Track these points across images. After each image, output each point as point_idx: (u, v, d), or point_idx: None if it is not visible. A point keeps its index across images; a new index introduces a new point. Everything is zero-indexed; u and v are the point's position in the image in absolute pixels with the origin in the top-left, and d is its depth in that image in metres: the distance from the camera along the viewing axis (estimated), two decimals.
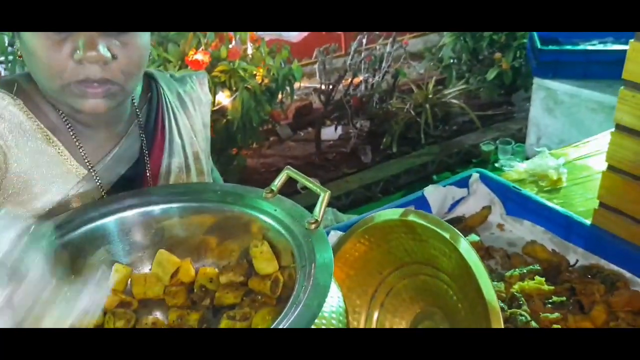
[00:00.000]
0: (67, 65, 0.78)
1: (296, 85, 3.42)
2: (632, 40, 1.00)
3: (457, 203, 1.30)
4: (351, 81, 4.07)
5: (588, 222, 1.15)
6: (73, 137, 0.90)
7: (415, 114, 3.96)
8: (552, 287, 0.99)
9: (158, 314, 0.79)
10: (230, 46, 2.83)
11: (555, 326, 0.91)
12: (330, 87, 3.99)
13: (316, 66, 4.08)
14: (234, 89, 2.80)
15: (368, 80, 4.10)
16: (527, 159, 1.82)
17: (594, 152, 1.63)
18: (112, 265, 0.78)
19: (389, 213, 0.86)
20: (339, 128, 4.15)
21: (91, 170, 0.90)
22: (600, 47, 3.25)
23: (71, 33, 0.76)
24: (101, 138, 0.93)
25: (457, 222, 1.24)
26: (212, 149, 1.15)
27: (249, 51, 2.93)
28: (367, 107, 4.13)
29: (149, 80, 1.02)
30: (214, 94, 2.75)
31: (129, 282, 0.79)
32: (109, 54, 0.78)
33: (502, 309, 0.73)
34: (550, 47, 3.22)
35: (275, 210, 0.76)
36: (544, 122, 3.29)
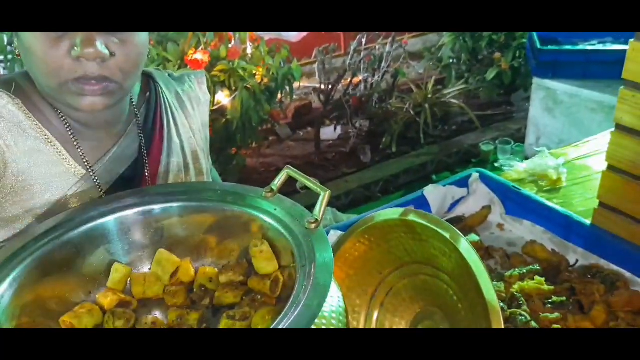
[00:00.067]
0: (64, 63, 0.77)
1: (296, 84, 3.43)
2: (632, 40, 1.00)
3: (457, 203, 1.30)
4: (350, 81, 4.07)
5: (588, 222, 1.15)
6: (71, 136, 0.89)
7: (415, 113, 3.96)
8: (552, 287, 0.99)
9: (158, 314, 0.78)
10: (229, 46, 2.83)
11: (555, 326, 0.91)
12: (330, 86, 3.99)
13: (316, 66, 4.08)
14: (234, 88, 2.80)
15: (367, 80, 4.10)
16: (527, 158, 1.82)
17: (594, 152, 1.64)
18: (111, 264, 0.78)
19: (388, 213, 0.86)
20: (339, 128, 4.15)
21: (90, 170, 0.90)
22: (599, 47, 3.26)
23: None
24: (100, 138, 0.92)
25: (457, 221, 1.24)
26: (212, 148, 1.15)
27: (249, 51, 2.93)
28: (367, 107, 4.13)
29: (148, 80, 1.02)
30: (214, 94, 2.75)
31: (128, 281, 0.79)
32: (106, 51, 0.77)
33: (502, 309, 0.73)
34: (550, 47, 3.22)
35: (275, 209, 0.76)
36: (544, 122, 3.29)
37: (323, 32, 4.35)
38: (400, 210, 0.84)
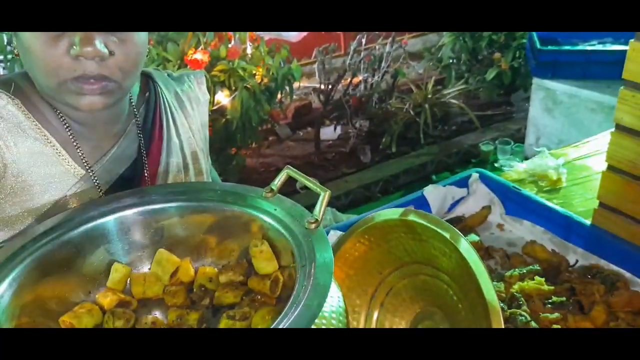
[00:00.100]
0: (63, 62, 0.77)
1: (295, 84, 3.43)
2: (632, 40, 1.00)
3: (456, 203, 1.30)
4: (350, 81, 4.08)
5: (588, 222, 1.15)
6: (70, 137, 0.89)
7: (415, 114, 3.96)
8: (552, 287, 0.99)
9: (157, 314, 0.78)
10: (229, 45, 2.83)
11: (555, 326, 0.91)
12: (330, 86, 3.99)
13: (315, 66, 4.09)
14: (233, 88, 2.80)
15: (367, 80, 4.10)
16: (526, 159, 1.82)
17: (594, 152, 1.64)
18: (111, 264, 0.78)
19: (388, 213, 0.86)
20: (338, 128, 4.15)
21: (89, 171, 0.90)
22: (599, 47, 3.26)
23: None
24: (99, 138, 0.92)
25: (456, 222, 1.24)
26: (211, 148, 1.15)
27: (249, 50, 2.93)
28: (367, 107, 4.13)
29: (147, 80, 1.02)
30: (213, 94, 2.75)
31: (128, 281, 0.79)
32: (105, 50, 0.77)
33: (502, 309, 0.73)
34: (550, 48, 3.23)
35: (275, 209, 0.76)
36: (543, 122, 3.29)
37: (323, 32, 4.35)
38: (400, 210, 0.84)
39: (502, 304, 0.92)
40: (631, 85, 1.02)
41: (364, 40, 4.03)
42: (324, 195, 0.71)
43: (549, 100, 3.22)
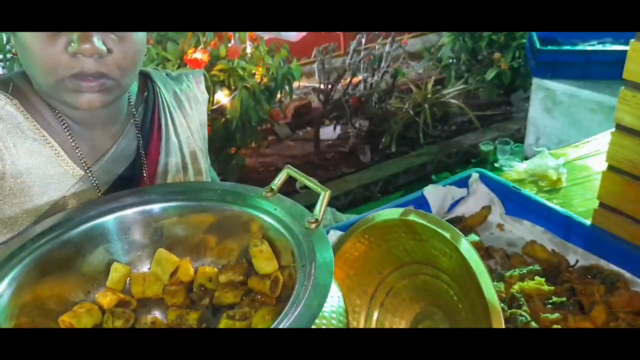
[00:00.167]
0: (61, 59, 0.77)
1: (295, 84, 3.43)
2: (632, 40, 1.00)
3: (456, 203, 1.30)
4: (350, 81, 4.08)
5: (588, 222, 1.15)
6: (69, 137, 0.89)
7: (414, 113, 3.97)
8: (552, 288, 0.99)
9: (157, 314, 0.78)
10: (229, 45, 2.83)
11: (555, 326, 0.91)
12: (329, 86, 3.99)
13: (315, 65, 4.09)
14: (233, 87, 2.80)
15: (367, 80, 4.10)
16: (526, 159, 1.82)
17: (594, 152, 1.64)
18: (110, 264, 0.78)
19: (388, 213, 0.85)
20: (338, 127, 4.15)
21: (88, 171, 0.90)
22: (599, 47, 3.26)
23: None
24: (98, 138, 0.92)
25: (456, 222, 1.24)
26: (211, 148, 1.14)
27: (248, 50, 2.93)
28: (366, 107, 4.13)
29: (145, 79, 1.01)
30: (213, 93, 2.75)
31: (127, 281, 0.78)
32: (104, 47, 0.77)
33: (502, 309, 0.73)
34: (549, 48, 3.23)
35: (275, 209, 0.76)
36: (543, 122, 3.30)
37: (322, 32, 4.35)
38: (401, 210, 0.84)
39: (502, 304, 0.92)
40: (632, 85, 1.02)
41: (363, 40, 4.03)
42: (324, 195, 0.71)
43: (548, 100, 3.23)
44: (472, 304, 0.75)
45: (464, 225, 1.23)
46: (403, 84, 4.38)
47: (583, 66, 3.10)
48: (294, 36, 4.07)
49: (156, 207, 0.81)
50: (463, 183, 1.31)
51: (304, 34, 4.22)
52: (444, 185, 1.29)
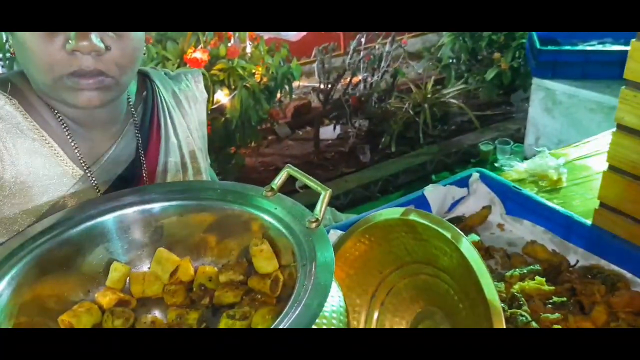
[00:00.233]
0: (59, 57, 0.76)
1: (295, 84, 3.43)
2: (633, 40, 0.99)
3: (457, 203, 1.30)
4: (350, 80, 4.08)
5: (588, 222, 1.15)
6: (68, 137, 0.88)
7: (414, 113, 3.97)
8: (552, 288, 0.99)
9: (157, 313, 0.78)
10: (229, 44, 2.83)
11: (555, 326, 0.91)
12: (329, 86, 3.99)
13: (315, 65, 4.09)
14: (233, 87, 2.80)
15: (367, 80, 4.11)
16: (526, 159, 1.82)
17: (594, 152, 1.64)
18: (110, 263, 0.78)
19: (389, 212, 0.85)
20: (338, 127, 4.15)
21: (87, 171, 0.89)
22: (599, 47, 3.26)
23: None
24: (97, 138, 0.92)
25: (457, 221, 1.24)
26: (210, 147, 1.14)
27: (248, 49, 2.93)
28: (366, 107, 4.13)
29: (144, 79, 1.01)
30: (213, 92, 2.75)
31: (127, 280, 0.78)
32: (102, 45, 0.77)
33: (502, 309, 0.72)
34: (549, 48, 3.23)
35: (276, 208, 0.75)
36: (543, 122, 3.30)
37: (322, 32, 4.35)
38: (401, 209, 0.84)
39: (502, 304, 0.91)
40: (632, 85, 1.02)
41: (363, 40, 4.03)
42: (325, 194, 0.71)
43: (548, 100, 3.23)
44: (472, 304, 0.75)
45: (464, 225, 1.22)
46: (403, 83, 4.38)
47: (583, 66, 3.10)
48: (294, 36, 4.07)
49: (156, 206, 0.80)
50: (463, 183, 1.31)
51: (304, 33, 4.22)
52: (444, 185, 1.29)
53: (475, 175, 1.31)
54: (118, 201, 0.80)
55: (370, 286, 0.91)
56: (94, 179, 0.90)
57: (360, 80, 4.11)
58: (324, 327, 0.64)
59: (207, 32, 2.77)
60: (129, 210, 0.80)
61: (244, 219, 0.78)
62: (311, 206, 0.72)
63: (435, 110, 4.04)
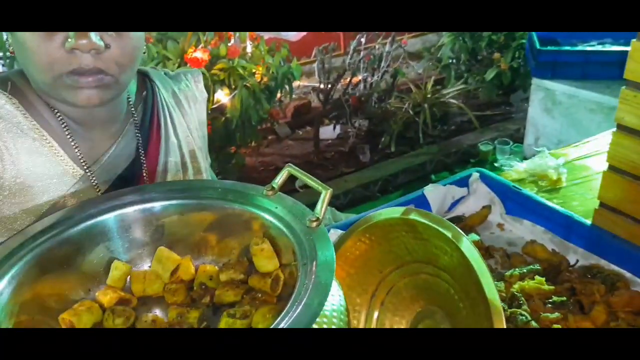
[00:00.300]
0: (58, 56, 0.77)
1: (295, 84, 3.43)
2: (633, 40, 0.99)
3: (457, 202, 1.30)
4: (350, 80, 4.08)
5: (588, 222, 1.15)
6: (68, 136, 0.88)
7: (414, 113, 3.97)
8: (552, 287, 0.99)
9: (157, 312, 0.78)
10: (229, 44, 2.83)
11: (555, 326, 0.91)
12: (329, 86, 3.99)
13: (315, 65, 4.09)
14: (233, 87, 2.80)
15: (367, 80, 4.11)
16: (525, 159, 1.82)
17: (594, 152, 1.64)
18: (111, 262, 0.78)
19: (389, 211, 0.85)
20: (338, 127, 4.15)
21: (87, 171, 0.89)
22: (598, 47, 3.26)
23: None
24: (97, 138, 0.92)
25: (457, 221, 1.24)
26: (211, 147, 1.14)
27: (248, 49, 2.93)
28: (366, 107, 4.13)
29: (144, 79, 1.01)
30: (213, 92, 2.75)
31: (128, 279, 0.78)
32: (101, 43, 0.77)
33: (502, 308, 0.72)
34: (549, 48, 3.23)
35: (276, 207, 0.76)
36: (542, 123, 3.30)
37: (322, 32, 4.35)
38: (402, 209, 0.84)
39: (502, 304, 0.92)
40: (633, 85, 1.02)
41: (363, 40, 4.03)
42: (325, 194, 0.71)
43: (548, 100, 3.23)
44: (473, 303, 0.75)
45: (464, 224, 1.22)
46: (403, 83, 4.39)
47: (583, 66, 3.10)
48: (294, 36, 4.07)
49: (157, 205, 0.81)
50: (463, 182, 1.31)
51: (304, 33, 4.23)
52: (444, 185, 1.29)
53: (475, 175, 1.31)
54: (118, 200, 0.80)
55: (370, 285, 0.91)
56: (94, 178, 0.90)
57: (360, 80, 4.11)
58: (325, 326, 0.64)
59: (207, 32, 2.77)
60: (129, 209, 0.80)
61: (244, 218, 0.78)
62: (311, 205, 0.72)
63: (435, 110, 4.04)
